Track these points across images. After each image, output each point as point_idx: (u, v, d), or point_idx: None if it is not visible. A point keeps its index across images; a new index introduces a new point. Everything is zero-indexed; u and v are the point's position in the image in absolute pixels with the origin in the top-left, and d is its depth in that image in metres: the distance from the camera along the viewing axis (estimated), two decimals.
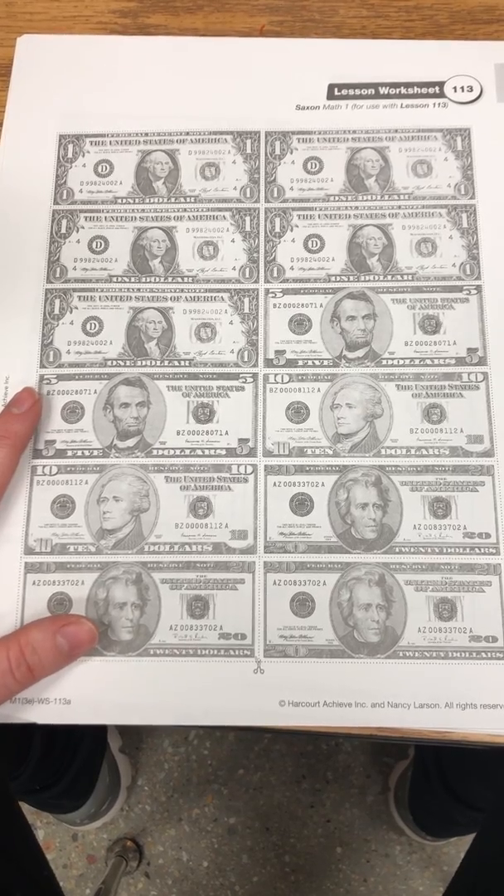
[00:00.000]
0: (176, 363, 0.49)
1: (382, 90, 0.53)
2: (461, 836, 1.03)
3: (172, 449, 0.48)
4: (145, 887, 1.09)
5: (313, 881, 1.09)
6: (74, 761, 0.85)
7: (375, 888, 1.08)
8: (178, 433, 0.48)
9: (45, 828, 1.11)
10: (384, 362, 0.49)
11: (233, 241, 0.51)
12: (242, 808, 1.11)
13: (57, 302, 0.50)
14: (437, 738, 0.44)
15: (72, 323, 0.50)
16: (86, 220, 0.52)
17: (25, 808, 1.01)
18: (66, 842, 1.11)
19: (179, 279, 0.51)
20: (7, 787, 0.63)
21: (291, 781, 1.12)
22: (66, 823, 1.08)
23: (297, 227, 0.51)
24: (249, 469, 0.47)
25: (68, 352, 0.49)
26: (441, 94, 0.53)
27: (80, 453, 0.48)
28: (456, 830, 0.96)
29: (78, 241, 0.51)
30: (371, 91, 0.53)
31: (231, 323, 0.50)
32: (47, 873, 0.65)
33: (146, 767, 1.13)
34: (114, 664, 0.45)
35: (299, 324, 0.49)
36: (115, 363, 0.49)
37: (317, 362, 0.49)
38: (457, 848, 1.09)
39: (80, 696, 0.44)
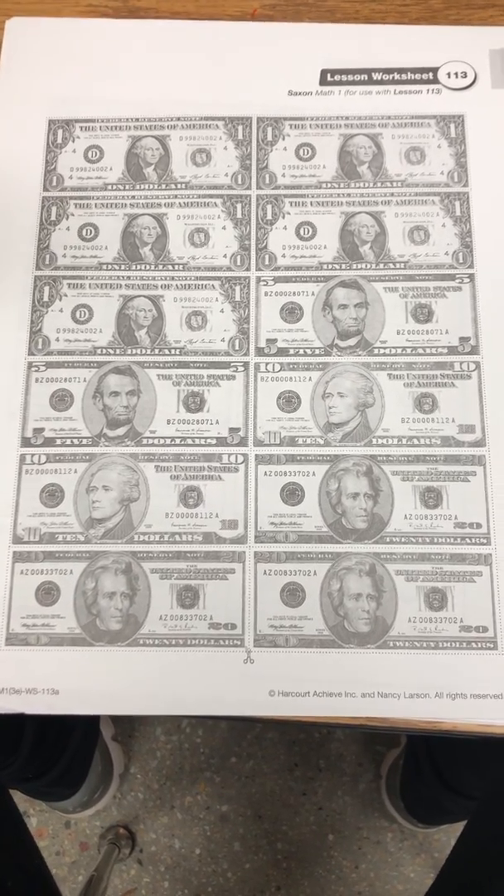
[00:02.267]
0: (166, 351, 0.49)
1: (376, 76, 0.53)
2: (452, 824, 1.03)
3: (163, 438, 0.47)
4: (138, 874, 1.09)
5: (305, 868, 1.09)
6: (67, 750, 0.85)
7: (367, 875, 1.09)
8: (168, 422, 0.48)
9: (38, 815, 1.11)
10: (376, 351, 0.48)
11: (224, 228, 0.51)
12: (235, 796, 1.11)
13: (46, 289, 0.50)
14: (427, 729, 0.44)
15: (61, 310, 0.49)
16: (76, 206, 0.51)
17: (18, 795, 1.01)
18: (58, 829, 1.11)
19: (170, 267, 0.50)
20: None
21: (284, 769, 1.12)
22: (58, 811, 1.08)
23: (288, 214, 0.51)
24: (240, 458, 0.47)
25: (57, 339, 0.49)
26: (435, 80, 0.52)
27: (69, 442, 0.47)
28: (446, 818, 0.96)
29: (68, 229, 0.51)
30: (364, 77, 0.53)
31: (222, 311, 0.49)
32: (38, 862, 0.65)
33: (139, 755, 1.14)
34: (103, 654, 0.44)
35: (291, 312, 0.49)
36: (104, 351, 0.49)
37: (308, 351, 0.48)
38: (447, 835, 1.09)
39: (69, 686, 0.44)
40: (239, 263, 0.50)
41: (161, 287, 0.50)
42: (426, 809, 0.98)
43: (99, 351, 0.49)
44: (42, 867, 0.67)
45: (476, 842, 0.63)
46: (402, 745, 1.06)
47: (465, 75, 0.52)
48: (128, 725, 1.14)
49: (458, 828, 1.08)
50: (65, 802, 1.00)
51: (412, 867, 1.09)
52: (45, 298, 0.50)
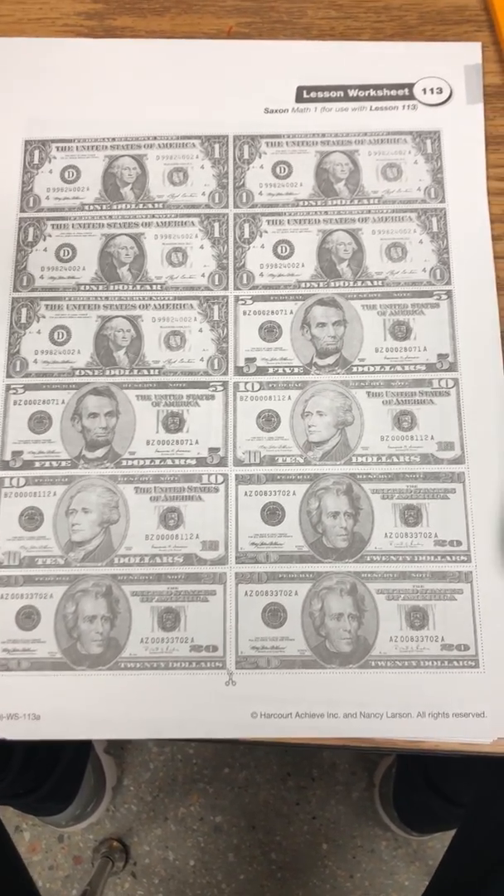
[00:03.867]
0: (145, 372, 0.49)
1: (351, 92, 0.53)
2: (445, 832, 1.03)
3: (142, 459, 0.47)
4: (132, 887, 1.09)
5: (300, 878, 1.09)
6: (58, 764, 0.85)
7: (361, 883, 1.08)
8: (147, 443, 0.48)
9: (31, 829, 1.11)
10: (354, 369, 0.48)
11: (202, 247, 0.51)
12: (228, 807, 1.11)
13: (24, 311, 0.50)
14: (410, 748, 0.44)
15: (39, 332, 0.49)
16: (53, 227, 0.51)
17: (10, 810, 1.00)
18: (52, 843, 1.10)
19: (148, 287, 0.50)
20: None
21: (277, 779, 1.12)
22: (51, 825, 1.08)
23: (266, 232, 0.51)
24: (220, 479, 0.47)
25: (35, 361, 0.49)
26: (411, 97, 0.53)
27: (47, 464, 0.47)
28: (439, 826, 0.97)
29: (45, 250, 0.51)
30: (340, 93, 0.53)
31: (201, 331, 0.49)
32: (24, 880, 0.65)
33: (131, 767, 1.13)
34: (84, 678, 0.44)
35: (269, 331, 0.49)
36: (83, 372, 0.49)
37: (287, 370, 0.48)
38: (442, 842, 1.09)
39: (50, 710, 0.44)
40: (217, 283, 0.50)
41: (139, 307, 0.50)
42: (418, 817, 0.98)
43: (77, 372, 0.49)
44: (29, 886, 0.67)
45: (466, 846, 0.63)
46: (394, 753, 1.06)
47: (440, 91, 0.53)
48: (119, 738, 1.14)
49: (451, 835, 1.08)
50: (57, 817, 1.00)
51: (406, 875, 1.09)
52: (23, 320, 0.49)
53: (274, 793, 1.11)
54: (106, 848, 1.09)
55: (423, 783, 0.83)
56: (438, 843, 1.09)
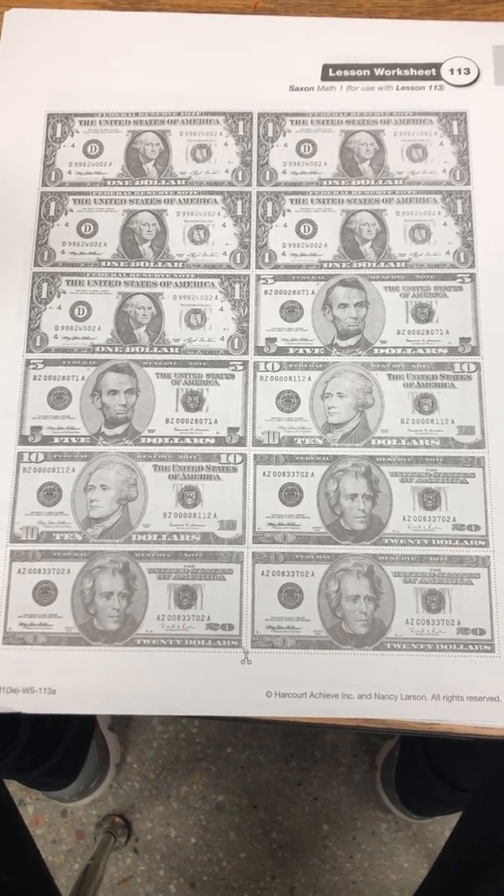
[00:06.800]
0: (165, 350, 0.48)
1: (378, 71, 0.52)
2: (445, 815, 1.04)
3: (161, 437, 0.47)
4: (133, 863, 1.10)
5: (300, 857, 1.10)
6: (63, 740, 0.85)
7: (361, 864, 1.09)
8: (166, 421, 0.47)
9: (35, 804, 1.12)
10: (376, 351, 0.48)
11: (224, 225, 0.50)
12: (230, 786, 1.12)
13: (44, 286, 0.49)
14: (424, 730, 0.44)
15: (59, 307, 0.49)
16: (74, 202, 0.51)
17: (14, 784, 1.01)
18: (55, 818, 1.11)
19: (169, 264, 0.50)
20: None
21: (279, 760, 1.13)
22: (55, 800, 1.09)
23: (289, 211, 0.50)
24: (239, 458, 0.47)
25: (55, 336, 0.49)
26: (438, 77, 0.52)
27: (66, 440, 0.47)
28: (440, 809, 0.97)
29: (66, 225, 0.50)
30: (366, 72, 0.52)
31: (221, 309, 0.49)
32: (33, 854, 0.66)
33: (135, 745, 1.14)
34: (100, 654, 0.44)
35: (290, 311, 0.49)
36: (103, 349, 0.48)
37: (308, 350, 0.48)
38: (441, 826, 1.10)
39: (66, 685, 0.44)
40: (239, 261, 0.50)
41: (160, 284, 0.49)
42: (420, 800, 0.99)
43: (97, 349, 0.48)
44: (38, 861, 0.67)
45: (471, 832, 0.63)
46: (396, 736, 1.07)
47: (468, 72, 0.52)
48: (124, 715, 1.15)
49: (451, 819, 1.09)
50: (61, 792, 1.01)
51: (406, 857, 1.10)
52: (44, 295, 0.49)
53: (276, 773, 1.12)
54: (108, 824, 1.09)
55: (426, 767, 0.84)
56: (438, 827, 1.10)
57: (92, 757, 1.02)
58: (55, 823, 1.11)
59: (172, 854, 1.10)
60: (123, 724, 1.15)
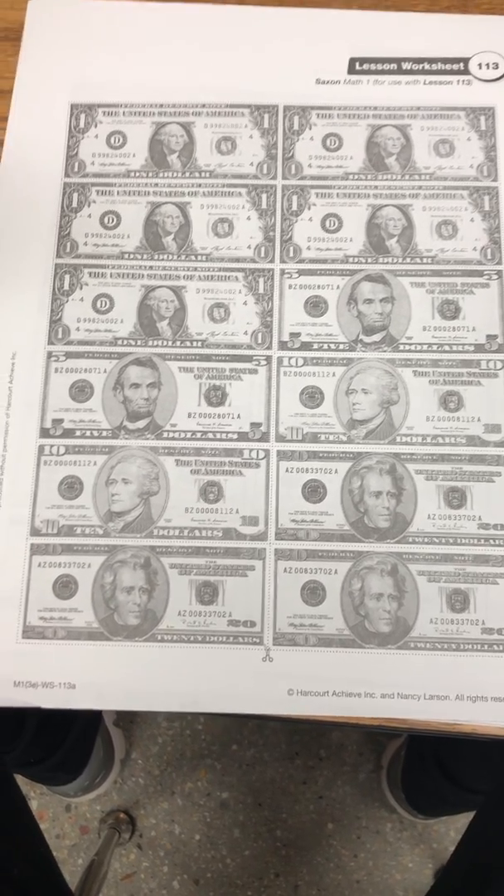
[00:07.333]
0: (188, 344, 0.48)
1: (405, 65, 0.52)
2: (451, 816, 1.04)
3: (183, 432, 0.47)
4: (137, 859, 1.09)
5: (304, 856, 1.10)
6: (69, 735, 0.85)
7: (365, 864, 1.09)
8: (189, 416, 0.47)
9: (39, 798, 1.11)
10: (401, 347, 0.48)
11: (248, 218, 0.50)
12: (235, 784, 1.11)
13: (67, 277, 0.49)
14: (447, 731, 0.43)
15: (82, 300, 0.49)
16: (98, 193, 0.50)
17: (19, 779, 1.01)
18: (59, 812, 1.11)
19: (193, 257, 0.49)
20: (3, 765, 0.63)
21: (284, 758, 1.12)
22: (59, 795, 1.09)
23: (314, 205, 0.50)
24: (262, 454, 0.46)
25: (77, 329, 0.48)
26: (465, 71, 0.51)
27: (88, 433, 0.47)
28: (447, 810, 0.97)
29: (89, 216, 0.50)
30: (393, 66, 0.52)
31: (245, 303, 0.48)
32: (43, 849, 0.65)
33: (140, 741, 1.14)
34: (120, 649, 0.44)
35: (315, 306, 0.48)
36: (125, 342, 0.48)
37: (332, 346, 0.48)
38: (447, 826, 1.10)
39: (86, 680, 0.44)
40: (263, 255, 0.49)
41: (184, 278, 0.49)
42: (427, 801, 0.98)
43: (120, 342, 0.48)
44: (47, 854, 0.67)
45: (484, 835, 0.63)
46: (403, 736, 1.07)
47: (496, 66, 0.51)
48: (129, 711, 1.14)
49: (457, 819, 1.09)
50: (66, 787, 1.00)
51: (410, 857, 1.09)
52: (66, 287, 0.49)
53: (281, 771, 1.12)
54: (113, 819, 1.09)
55: (434, 767, 0.83)
56: (443, 827, 1.10)
57: (97, 752, 1.02)
58: (59, 818, 1.11)
59: (176, 850, 1.10)
60: (129, 719, 1.14)
